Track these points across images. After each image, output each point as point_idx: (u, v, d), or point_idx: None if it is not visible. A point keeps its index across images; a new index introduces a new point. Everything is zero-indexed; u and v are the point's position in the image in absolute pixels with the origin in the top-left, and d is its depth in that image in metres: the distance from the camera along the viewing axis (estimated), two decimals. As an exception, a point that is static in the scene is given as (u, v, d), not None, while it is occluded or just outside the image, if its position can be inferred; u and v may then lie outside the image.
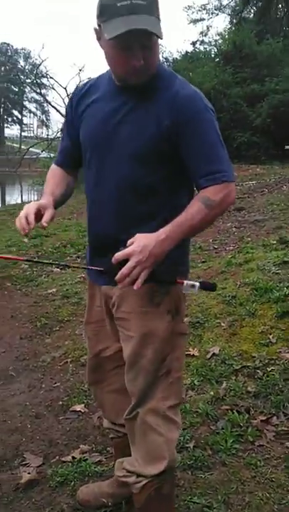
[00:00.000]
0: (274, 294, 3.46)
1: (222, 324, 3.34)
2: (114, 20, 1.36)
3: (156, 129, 1.48)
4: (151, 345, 1.56)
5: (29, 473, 2.22)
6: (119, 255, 1.40)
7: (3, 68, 52.97)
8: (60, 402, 2.82)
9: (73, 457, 2.30)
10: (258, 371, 2.78)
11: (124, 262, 1.40)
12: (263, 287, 3.61)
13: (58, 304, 4.38)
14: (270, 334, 3.09)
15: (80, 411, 2.69)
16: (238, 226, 6.67)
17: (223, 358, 2.97)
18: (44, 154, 18.14)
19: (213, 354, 3.02)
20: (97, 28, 1.45)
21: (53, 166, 1.83)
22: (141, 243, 1.40)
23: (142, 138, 1.49)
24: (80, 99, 1.66)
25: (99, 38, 1.47)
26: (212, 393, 2.65)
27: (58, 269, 5.49)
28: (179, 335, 1.63)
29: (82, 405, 2.73)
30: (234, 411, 2.47)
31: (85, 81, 1.76)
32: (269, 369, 2.78)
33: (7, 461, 2.35)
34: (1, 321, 4.21)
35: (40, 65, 20.47)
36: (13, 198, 19.01)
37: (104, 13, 1.38)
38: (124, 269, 1.39)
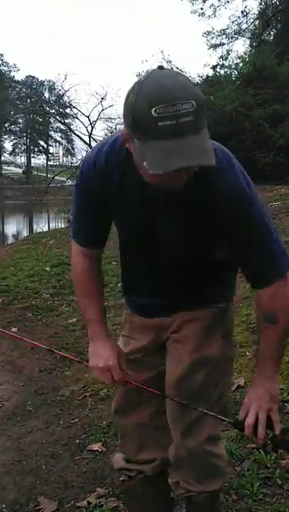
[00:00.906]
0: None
1: (247, 354, 3.17)
2: (154, 145, 1.06)
3: (202, 229, 1.35)
4: (203, 370, 1.51)
5: (42, 520, 2.09)
6: (240, 416, 1.43)
7: (28, 100, 54.37)
8: (77, 441, 2.69)
9: (89, 502, 2.16)
10: (286, 405, 2.59)
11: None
12: (289, 313, 3.43)
13: (78, 335, 4.29)
14: (299, 364, 2.90)
15: (97, 450, 2.55)
16: (263, 248, 6.48)
17: (248, 390, 2.79)
18: (69, 182, 18.31)
19: (238, 386, 2.85)
20: (126, 130, 1.16)
21: (82, 257, 1.55)
22: (249, 396, 1.44)
23: (191, 243, 1.39)
24: (101, 177, 1.37)
25: (128, 140, 1.18)
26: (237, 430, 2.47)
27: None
28: (229, 360, 1.61)
29: (100, 444, 2.59)
30: (260, 450, 2.29)
31: (94, 152, 1.40)
32: (298, 402, 2.58)
33: (20, 505, 2.24)
34: (21, 353, 4.14)
35: (63, 95, 20.60)
36: (39, 226, 19.23)
37: (139, 129, 1.09)
38: (249, 419, 1.40)
